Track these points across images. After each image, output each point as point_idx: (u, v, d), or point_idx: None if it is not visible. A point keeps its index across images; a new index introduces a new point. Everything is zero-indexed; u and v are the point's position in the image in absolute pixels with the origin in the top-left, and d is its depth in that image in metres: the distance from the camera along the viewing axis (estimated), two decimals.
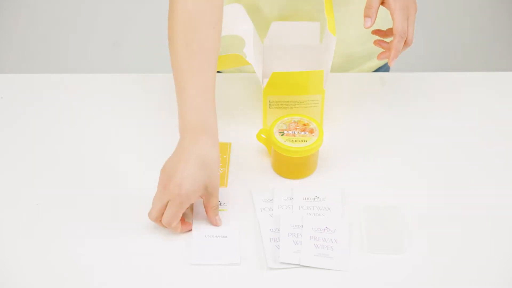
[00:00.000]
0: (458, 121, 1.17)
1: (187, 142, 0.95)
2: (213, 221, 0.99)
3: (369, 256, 0.96)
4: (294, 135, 1.04)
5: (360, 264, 0.95)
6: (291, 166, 1.05)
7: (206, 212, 0.99)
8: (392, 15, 1.03)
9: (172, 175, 0.94)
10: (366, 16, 1.05)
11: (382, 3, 1.05)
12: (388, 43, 1.08)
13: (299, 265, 0.94)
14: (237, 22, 1.16)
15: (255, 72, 1.18)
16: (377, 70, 1.32)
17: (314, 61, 1.17)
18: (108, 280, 0.93)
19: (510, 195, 1.05)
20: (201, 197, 0.97)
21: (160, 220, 0.96)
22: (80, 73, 1.27)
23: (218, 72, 1.32)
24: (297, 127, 1.05)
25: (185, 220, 0.99)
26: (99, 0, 2.65)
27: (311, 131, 1.05)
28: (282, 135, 1.04)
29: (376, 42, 1.09)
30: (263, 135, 1.08)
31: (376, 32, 1.10)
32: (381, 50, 1.10)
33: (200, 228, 0.98)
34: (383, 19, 1.12)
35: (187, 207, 0.95)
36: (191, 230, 0.98)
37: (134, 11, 2.65)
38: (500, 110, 1.20)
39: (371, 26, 1.05)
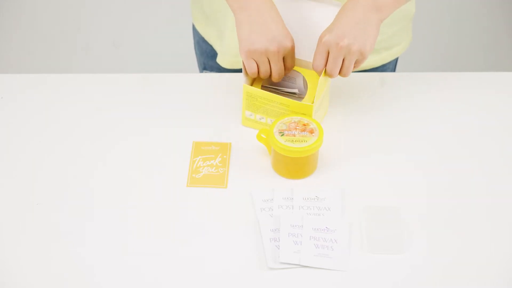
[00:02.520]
0: (458, 121, 1.17)
1: (255, 13, 1.05)
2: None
3: (369, 256, 0.96)
4: (294, 135, 1.04)
5: (360, 264, 0.95)
6: (291, 166, 1.05)
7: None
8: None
9: (260, 35, 1.04)
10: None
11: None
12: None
13: (299, 265, 0.94)
14: None
15: None
16: (376, 70, 1.32)
17: None
18: (108, 280, 0.93)
19: (510, 195, 1.05)
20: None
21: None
22: (80, 73, 1.27)
23: (218, 72, 1.33)
24: (297, 127, 1.05)
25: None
26: (99, 0, 2.65)
27: (311, 131, 1.05)
28: (282, 135, 1.04)
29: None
30: (263, 135, 1.08)
31: None
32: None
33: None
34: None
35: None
36: None
37: (134, 11, 2.65)
38: (500, 110, 1.20)
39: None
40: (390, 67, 1.35)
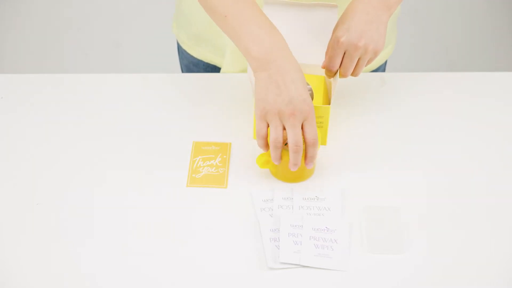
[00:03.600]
0: (458, 121, 1.17)
1: (274, 71, 0.96)
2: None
3: (369, 256, 0.96)
4: None
5: (360, 264, 0.95)
6: (290, 170, 1.04)
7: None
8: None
9: (277, 96, 0.96)
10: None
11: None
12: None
13: (299, 265, 0.94)
14: None
15: None
16: (375, 70, 1.32)
17: (323, 51, 1.12)
18: (108, 280, 0.93)
19: (510, 195, 1.05)
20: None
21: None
22: (80, 73, 1.27)
23: (218, 72, 1.33)
24: None
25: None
26: (99, 0, 2.65)
27: None
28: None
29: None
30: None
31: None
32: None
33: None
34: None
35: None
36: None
37: (134, 11, 2.65)
38: (500, 110, 1.20)
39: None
40: (380, 69, 1.35)
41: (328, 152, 1.10)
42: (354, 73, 1.07)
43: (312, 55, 1.12)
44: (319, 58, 1.11)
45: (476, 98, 1.22)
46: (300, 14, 1.10)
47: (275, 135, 0.98)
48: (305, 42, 1.11)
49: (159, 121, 1.16)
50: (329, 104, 1.09)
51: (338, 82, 1.08)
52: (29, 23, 2.61)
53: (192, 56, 1.32)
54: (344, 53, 1.04)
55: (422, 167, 1.09)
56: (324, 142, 1.12)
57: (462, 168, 1.09)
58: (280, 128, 0.97)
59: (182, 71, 1.41)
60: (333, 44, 1.03)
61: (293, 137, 0.97)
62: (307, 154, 1.00)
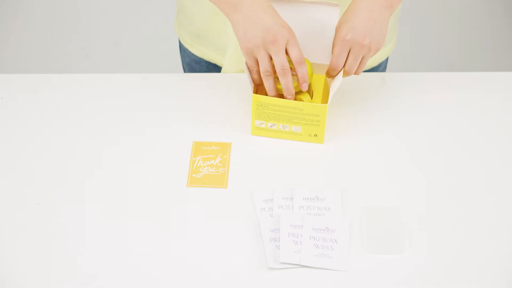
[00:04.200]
0: (458, 121, 1.17)
1: (246, 8, 1.02)
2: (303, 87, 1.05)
3: (369, 256, 0.96)
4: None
5: (360, 264, 0.95)
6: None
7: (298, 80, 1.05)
8: (332, 48, 1.06)
9: (255, 30, 1.01)
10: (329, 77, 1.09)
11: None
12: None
13: (299, 265, 0.94)
14: None
15: None
16: (374, 70, 1.32)
17: (326, 51, 1.13)
18: (108, 279, 0.93)
19: (510, 195, 1.05)
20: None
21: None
22: (80, 73, 1.27)
23: (220, 70, 1.33)
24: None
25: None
26: (99, 0, 2.65)
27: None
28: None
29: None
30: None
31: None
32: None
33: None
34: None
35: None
36: None
37: (134, 11, 2.65)
38: (500, 110, 1.20)
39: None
40: (381, 66, 1.35)
41: (328, 152, 1.10)
42: (357, 72, 1.07)
43: (313, 53, 1.12)
44: (320, 56, 1.12)
45: (476, 98, 1.22)
46: (301, 11, 1.10)
47: (263, 66, 1.02)
48: (307, 40, 1.12)
49: (159, 121, 1.16)
50: (327, 102, 1.09)
51: (341, 81, 1.08)
52: (29, 23, 2.61)
53: (194, 55, 1.32)
54: (349, 52, 1.04)
55: (422, 167, 1.09)
56: (321, 141, 1.12)
57: (462, 168, 1.09)
58: (267, 58, 1.02)
59: (184, 70, 1.41)
60: (339, 42, 1.04)
61: (278, 61, 1.02)
62: (297, 75, 1.03)
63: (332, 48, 1.07)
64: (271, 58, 1.03)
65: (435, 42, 2.58)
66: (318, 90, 1.13)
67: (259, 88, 1.12)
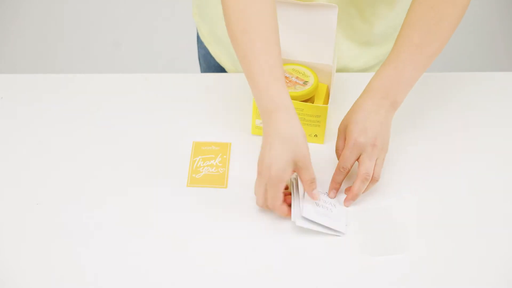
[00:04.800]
0: (458, 121, 1.17)
1: (266, 125, 0.97)
2: (310, 195, 0.99)
3: (369, 256, 0.96)
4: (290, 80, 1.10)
5: (360, 264, 0.95)
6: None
7: (304, 188, 0.99)
8: (359, 161, 1.03)
9: (262, 160, 0.97)
10: (335, 174, 1.05)
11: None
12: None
13: (316, 223, 0.97)
14: None
15: None
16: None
17: (325, 52, 1.14)
18: (108, 279, 0.93)
19: (510, 194, 1.05)
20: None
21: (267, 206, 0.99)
22: (80, 73, 1.27)
23: (218, 72, 1.33)
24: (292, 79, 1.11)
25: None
26: (99, 0, 2.65)
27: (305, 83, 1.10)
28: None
29: (346, 190, 1.06)
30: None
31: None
32: None
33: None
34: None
35: (284, 187, 0.97)
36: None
37: (134, 11, 2.65)
38: (500, 110, 1.20)
39: (334, 197, 1.05)
40: None
41: (328, 152, 1.10)
42: (375, 175, 1.03)
43: (312, 54, 1.12)
44: (319, 57, 1.12)
45: (476, 98, 1.22)
46: (299, 13, 1.10)
47: (257, 196, 1.00)
48: (306, 42, 1.12)
49: (159, 121, 1.16)
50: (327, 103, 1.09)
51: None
52: (29, 23, 2.62)
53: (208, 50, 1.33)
54: (360, 155, 1.03)
55: (422, 166, 1.09)
56: (321, 141, 1.12)
57: (462, 167, 1.09)
58: (262, 189, 0.98)
59: (199, 60, 1.41)
60: (350, 145, 1.02)
61: (270, 202, 0.99)
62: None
63: (343, 151, 1.04)
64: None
65: None
66: (319, 98, 1.14)
67: None
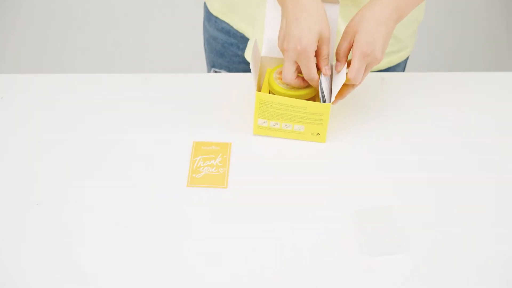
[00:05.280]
0: (458, 121, 1.17)
1: (287, 2, 1.03)
2: (322, 70, 1.07)
3: (369, 257, 0.96)
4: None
5: (360, 265, 0.95)
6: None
7: (317, 61, 1.07)
8: (351, 59, 1.06)
9: (289, 35, 1.03)
10: (336, 60, 1.10)
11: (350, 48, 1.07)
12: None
13: None
14: None
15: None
16: (393, 68, 1.33)
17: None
18: (108, 279, 0.93)
19: (510, 194, 1.05)
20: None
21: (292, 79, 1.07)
22: (80, 73, 1.27)
23: (226, 71, 1.33)
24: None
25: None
26: (99, 1, 2.65)
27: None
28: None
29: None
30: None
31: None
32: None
33: None
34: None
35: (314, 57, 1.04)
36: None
37: (134, 12, 2.65)
38: (500, 110, 1.20)
39: (340, 71, 1.08)
40: (399, 68, 1.35)
41: (328, 152, 1.10)
42: (360, 80, 1.08)
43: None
44: None
45: (477, 98, 1.22)
46: None
47: (285, 71, 1.06)
48: None
49: (159, 121, 1.16)
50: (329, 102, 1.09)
51: (344, 80, 1.09)
52: (29, 23, 2.62)
53: (214, 29, 1.35)
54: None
55: (422, 166, 1.09)
56: (323, 140, 1.12)
57: (462, 167, 1.09)
58: (292, 64, 1.05)
59: (204, 45, 1.44)
60: (359, 57, 1.05)
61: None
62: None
63: (351, 60, 1.07)
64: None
65: (435, 42, 2.58)
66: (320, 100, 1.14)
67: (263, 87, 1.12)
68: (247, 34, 1.31)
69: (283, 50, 1.04)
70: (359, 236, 0.98)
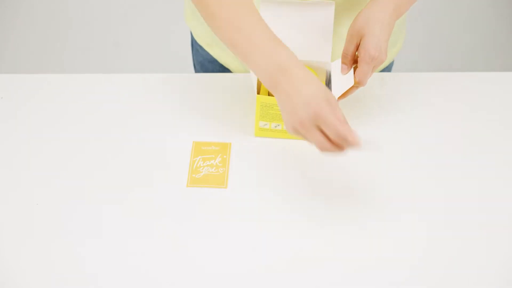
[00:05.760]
0: (458, 121, 1.17)
1: (285, 82, 0.93)
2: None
3: (369, 257, 0.96)
4: None
5: (360, 265, 0.95)
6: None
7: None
8: (359, 63, 1.05)
9: (295, 108, 0.91)
10: (343, 63, 1.08)
11: (357, 49, 1.06)
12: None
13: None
14: None
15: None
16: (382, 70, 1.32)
17: (323, 50, 1.14)
18: (107, 280, 0.93)
19: (510, 195, 1.05)
20: None
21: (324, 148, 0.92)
22: (80, 73, 1.27)
23: (219, 71, 1.33)
24: None
25: None
26: (99, 1, 2.65)
27: None
28: None
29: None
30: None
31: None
32: None
33: None
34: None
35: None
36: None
37: (134, 12, 2.65)
38: (500, 110, 1.20)
39: (346, 73, 1.07)
40: (387, 69, 1.35)
41: None
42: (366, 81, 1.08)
43: (311, 52, 1.13)
44: (318, 54, 1.12)
45: (476, 98, 1.22)
46: (297, 12, 1.10)
47: (318, 143, 0.92)
48: (303, 40, 1.12)
49: (159, 121, 1.16)
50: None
51: (351, 84, 1.09)
52: (29, 23, 2.61)
53: (208, 53, 1.31)
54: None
55: (422, 166, 1.09)
56: None
57: (462, 167, 1.09)
58: (316, 135, 0.92)
59: (195, 68, 1.39)
60: (366, 60, 1.04)
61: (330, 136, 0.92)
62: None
63: (358, 63, 1.06)
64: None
65: (435, 42, 2.58)
66: None
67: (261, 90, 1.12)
68: (231, 68, 1.28)
69: (298, 127, 0.92)
70: (360, 237, 0.98)
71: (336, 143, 0.91)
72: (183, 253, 0.96)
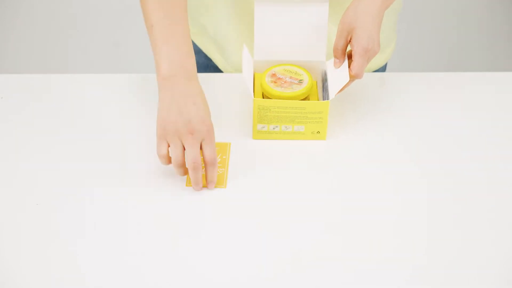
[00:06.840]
0: (458, 121, 1.17)
1: (169, 87, 1.02)
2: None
3: (369, 257, 0.96)
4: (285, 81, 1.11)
5: (360, 265, 0.95)
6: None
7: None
8: (353, 56, 1.06)
9: (185, 118, 0.99)
10: (334, 57, 1.09)
11: (349, 42, 1.07)
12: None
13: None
14: None
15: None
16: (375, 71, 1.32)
17: (317, 49, 1.15)
18: (107, 280, 0.93)
19: (510, 194, 1.05)
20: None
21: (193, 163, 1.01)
22: (80, 73, 1.27)
23: (218, 72, 1.33)
24: (287, 79, 1.12)
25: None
26: (99, 1, 2.65)
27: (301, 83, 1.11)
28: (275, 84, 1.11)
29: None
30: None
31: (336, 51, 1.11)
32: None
33: None
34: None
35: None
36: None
37: (134, 11, 2.65)
38: (500, 110, 1.20)
39: (339, 67, 1.09)
40: (381, 70, 1.35)
41: (328, 152, 1.10)
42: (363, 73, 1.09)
43: (305, 51, 1.13)
44: (312, 54, 1.13)
45: (476, 98, 1.22)
46: (291, 11, 1.11)
47: (175, 154, 1.01)
48: (297, 40, 1.12)
49: None
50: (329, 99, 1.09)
51: (347, 81, 1.09)
52: (29, 23, 2.61)
53: (194, 44, 1.32)
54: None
55: (421, 166, 1.09)
56: (323, 137, 1.12)
57: (462, 167, 1.09)
58: (180, 147, 1.00)
59: None
60: (360, 53, 1.05)
61: (190, 154, 1.00)
62: (207, 175, 1.03)
63: (353, 57, 1.07)
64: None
65: (434, 42, 2.58)
66: (313, 94, 1.14)
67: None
68: (216, 62, 1.29)
69: (187, 133, 1.00)
70: (359, 237, 0.98)
71: (189, 166, 1.01)
72: (182, 253, 0.96)
